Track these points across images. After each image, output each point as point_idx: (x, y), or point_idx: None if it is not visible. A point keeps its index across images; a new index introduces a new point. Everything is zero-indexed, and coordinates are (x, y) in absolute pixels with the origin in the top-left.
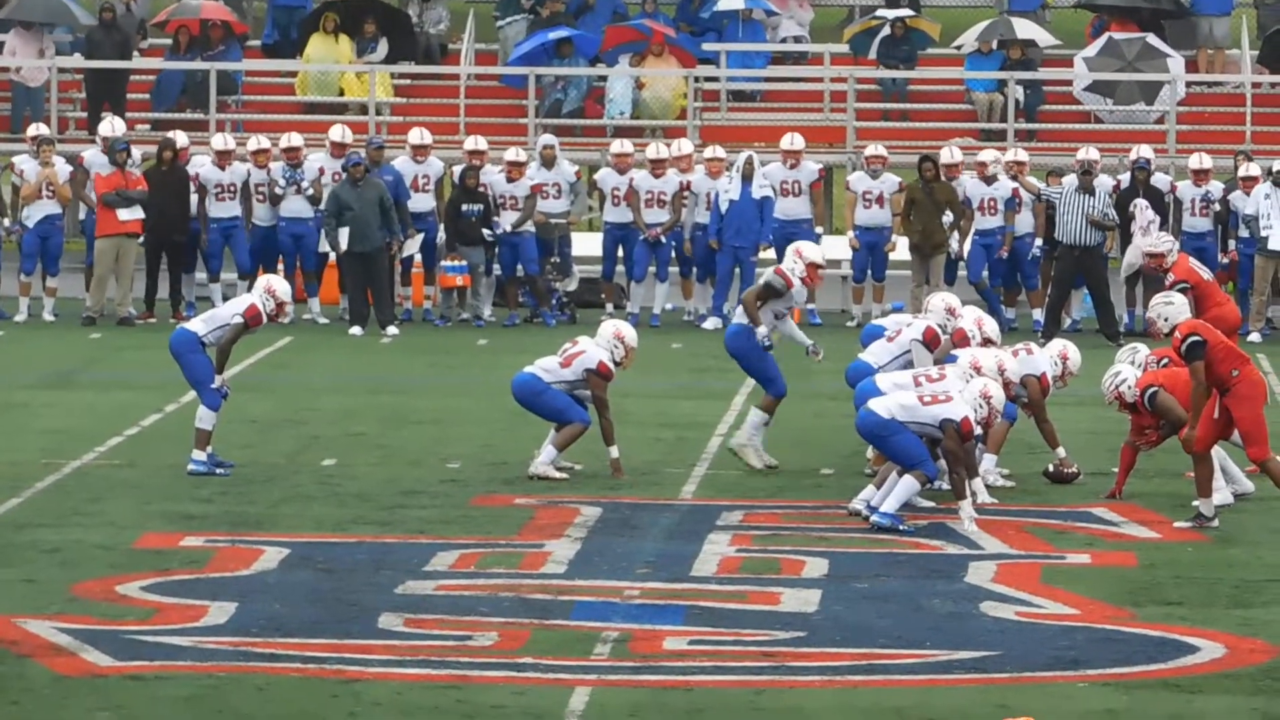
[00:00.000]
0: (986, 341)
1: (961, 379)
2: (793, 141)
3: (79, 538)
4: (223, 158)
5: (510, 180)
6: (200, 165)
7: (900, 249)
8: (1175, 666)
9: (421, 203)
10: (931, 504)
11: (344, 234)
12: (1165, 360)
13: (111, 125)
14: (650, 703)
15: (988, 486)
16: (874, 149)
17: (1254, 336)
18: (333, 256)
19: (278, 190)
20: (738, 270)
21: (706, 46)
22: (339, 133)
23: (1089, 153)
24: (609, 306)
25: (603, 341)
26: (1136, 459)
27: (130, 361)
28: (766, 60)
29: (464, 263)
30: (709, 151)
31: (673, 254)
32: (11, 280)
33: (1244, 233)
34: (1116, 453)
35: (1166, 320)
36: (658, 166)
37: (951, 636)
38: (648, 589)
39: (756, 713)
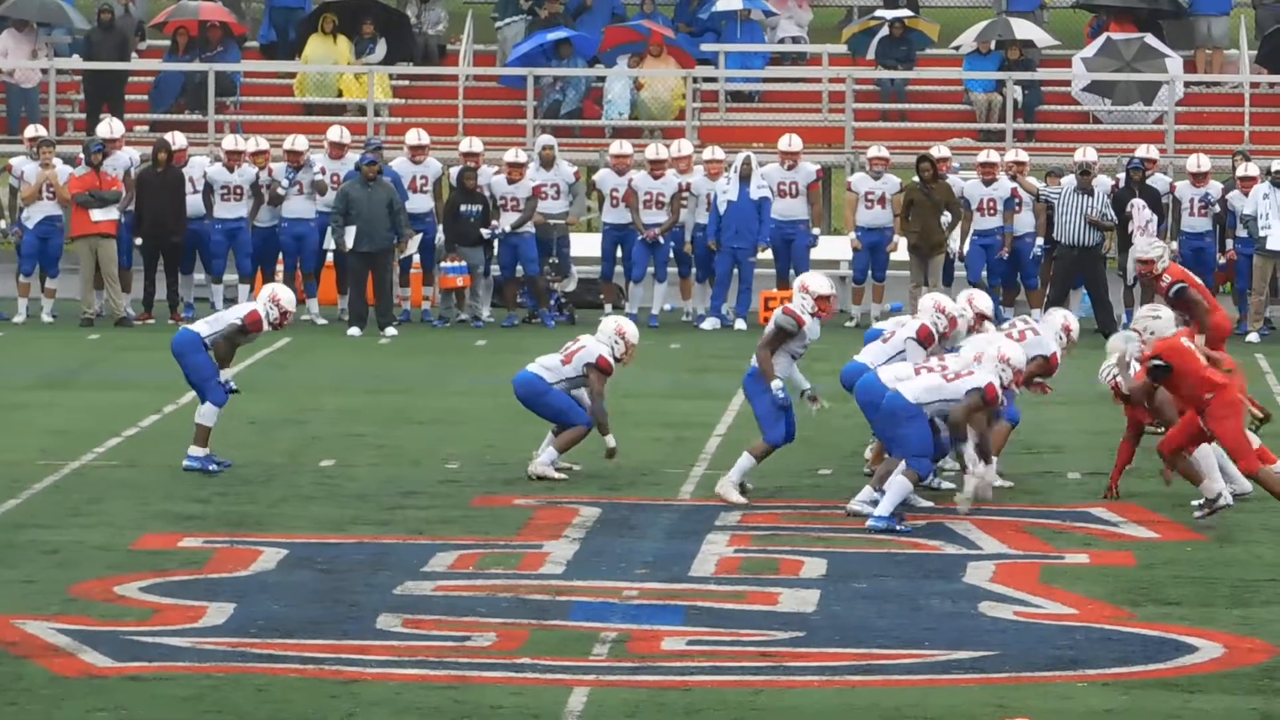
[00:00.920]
0: (980, 318)
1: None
2: (790, 142)
3: (78, 538)
4: (232, 158)
5: (511, 182)
6: (201, 166)
7: (900, 249)
8: (1174, 666)
9: (419, 203)
10: (930, 504)
11: (350, 233)
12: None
13: (110, 127)
14: (648, 703)
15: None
16: (876, 150)
17: (1252, 336)
18: (330, 257)
19: (280, 191)
20: (736, 271)
21: (705, 47)
22: (337, 133)
23: (1087, 153)
24: (608, 307)
25: (604, 337)
26: (1133, 457)
27: (129, 362)
28: (765, 61)
29: (463, 263)
30: (708, 153)
31: (671, 254)
32: (10, 281)
33: (1242, 233)
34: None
35: (1151, 335)
36: (656, 167)
37: (950, 636)
38: (646, 589)
39: (755, 713)
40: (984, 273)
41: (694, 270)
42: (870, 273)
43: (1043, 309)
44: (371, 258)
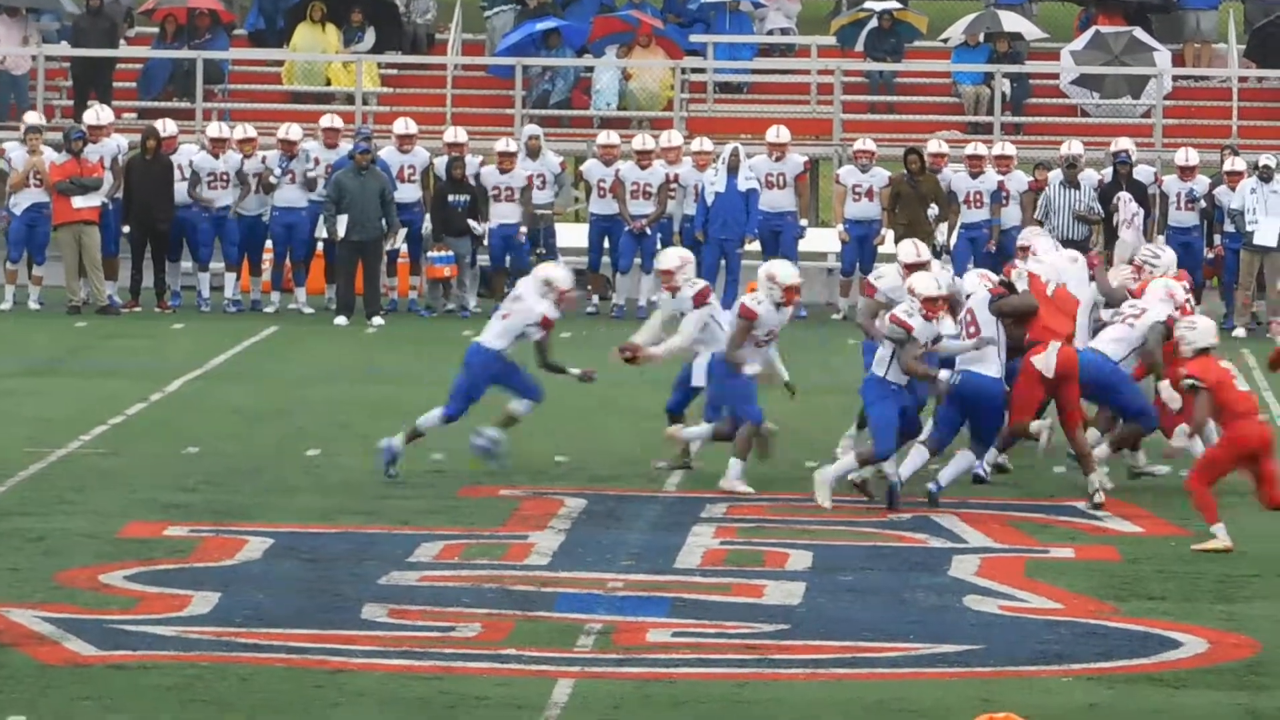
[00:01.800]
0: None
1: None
2: (778, 134)
3: (63, 526)
4: (216, 145)
5: (504, 172)
6: (189, 154)
7: (888, 242)
8: (1158, 661)
9: (407, 193)
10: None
11: (342, 221)
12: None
13: (96, 114)
14: (634, 694)
15: (994, 466)
16: (862, 143)
17: (1239, 331)
18: (319, 246)
19: (271, 180)
20: (724, 262)
21: (693, 38)
22: (329, 121)
23: (1072, 147)
24: (595, 298)
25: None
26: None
27: (116, 350)
28: (753, 52)
29: (450, 253)
30: (696, 144)
31: (659, 245)
32: None
33: (1229, 227)
34: None
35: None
36: (644, 158)
37: (935, 630)
38: (631, 581)
39: (739, 705)
40: (971, 266)
41: None
42: (858, 265)
43: None
44: (362, 246)
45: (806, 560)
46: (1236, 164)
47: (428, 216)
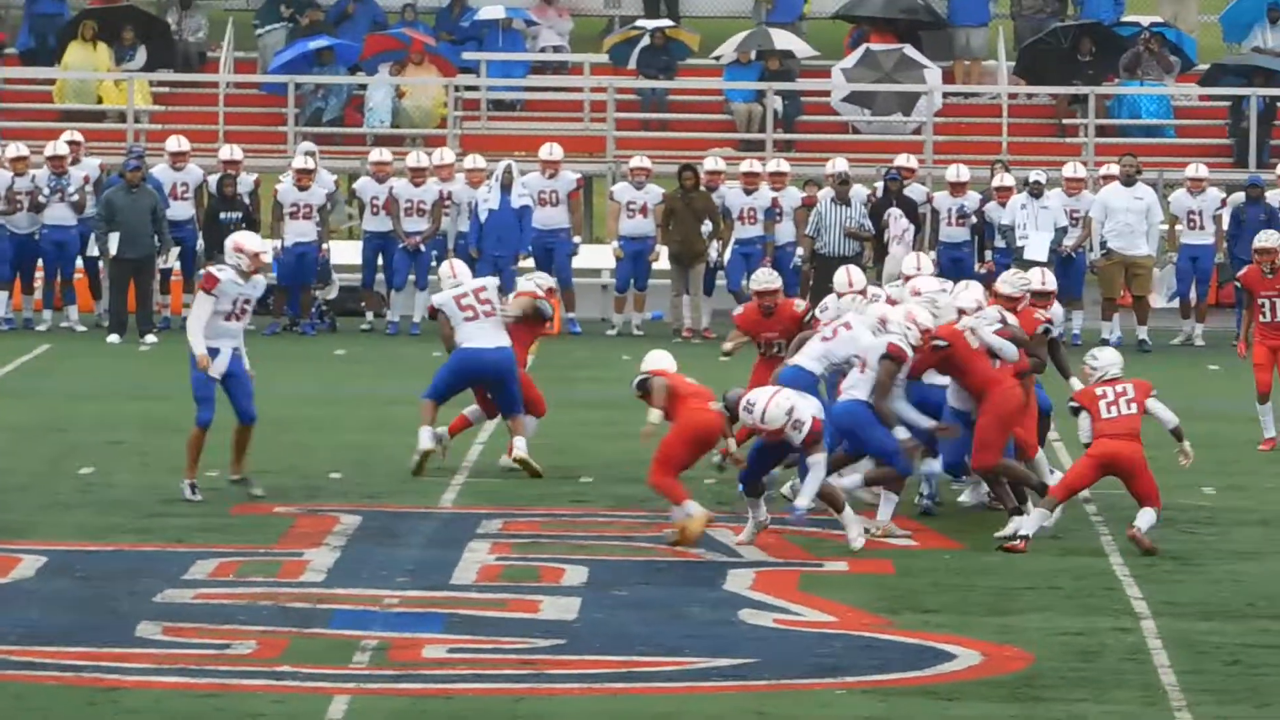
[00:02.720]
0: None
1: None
2: (551, 151)
3: None
4: None
5: (301, 189)
6: None
7: (661, 259)
8: (933, 674)
9: (180, 210)
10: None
11: (114, 239)
12: None
13: None
14: (410, 710)
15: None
16: (638, 161)
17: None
18: (79, 262)
19: (40, 199)
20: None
21: (466, 55)
22: (68, 137)
23: (838, 164)
24: (369, 315)
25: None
26: None
27: None
28: (527, 70)
29: None
30: (469, 161)
31: (432, 262)
32: None
33: (1000, 243)
34: None
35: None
36: (418, 175)
37: (710, 644)
38: (407, 597)
39: None
40: (744, 282)
41: None
42: (632, 282)
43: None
44: (134, 264)
45: (582, 575)
46: (1006, 180)
47: (201, 234)
